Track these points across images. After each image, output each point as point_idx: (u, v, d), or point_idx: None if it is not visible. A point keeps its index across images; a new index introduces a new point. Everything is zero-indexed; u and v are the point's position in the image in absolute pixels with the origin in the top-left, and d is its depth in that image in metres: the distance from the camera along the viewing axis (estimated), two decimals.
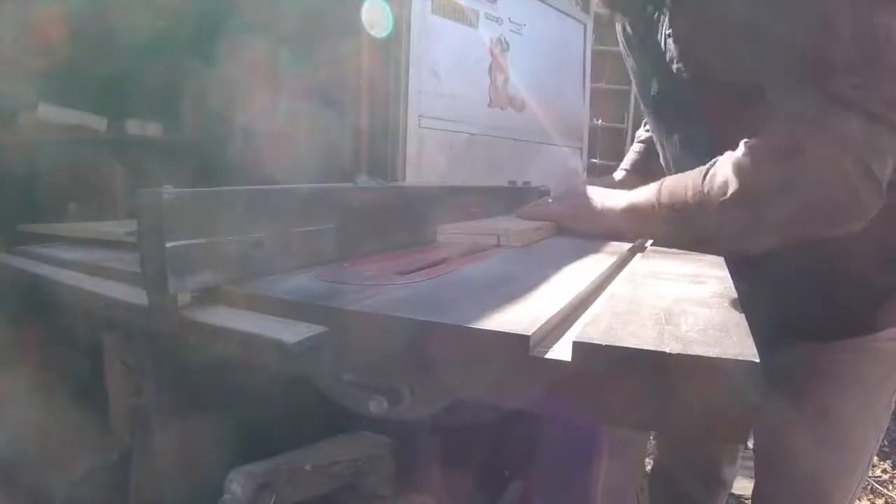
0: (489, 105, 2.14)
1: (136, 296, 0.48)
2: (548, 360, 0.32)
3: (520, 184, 1.12)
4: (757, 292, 0.88)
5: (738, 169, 0.61)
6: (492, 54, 2.12)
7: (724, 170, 0.63)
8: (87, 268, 0.64)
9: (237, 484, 0.46)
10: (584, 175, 1.17)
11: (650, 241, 0.72)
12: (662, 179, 0.71)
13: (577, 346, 0.31)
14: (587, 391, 0.31)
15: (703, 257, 0.61)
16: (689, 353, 0.29)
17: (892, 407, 0.84)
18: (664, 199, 0.68)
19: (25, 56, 1.31)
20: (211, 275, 0.45)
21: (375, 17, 1.67)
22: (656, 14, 0.77)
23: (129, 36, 1.42)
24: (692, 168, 0.68)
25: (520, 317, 0.36)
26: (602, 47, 2.95)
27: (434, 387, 0.40)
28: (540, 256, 0.65)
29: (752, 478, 0.98)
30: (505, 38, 2.17)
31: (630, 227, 0.71)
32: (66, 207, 1.37)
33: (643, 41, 0.82)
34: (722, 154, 0.65)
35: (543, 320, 0.35)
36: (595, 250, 0.65)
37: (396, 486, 0.54)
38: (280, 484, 0.48)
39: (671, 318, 0.35)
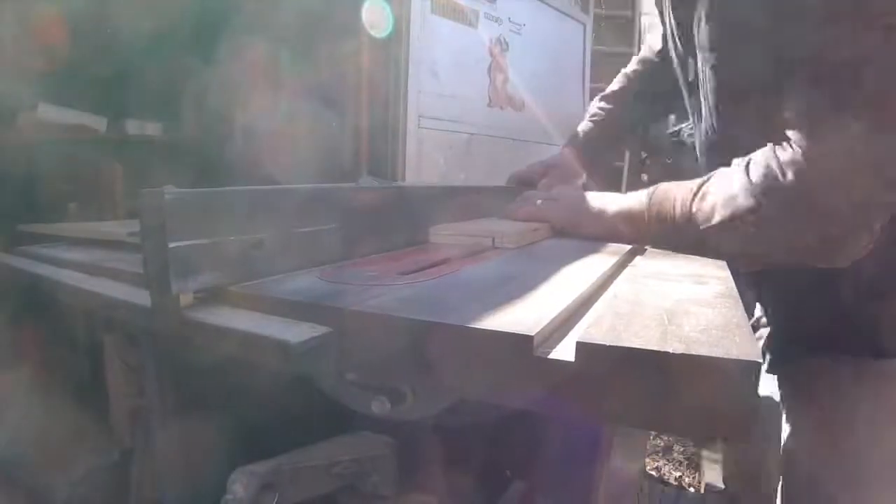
0: (489, 105, 2.15)
1: (138, 296, 0.48)
2: (551, 360, 0.32)
3: None
4: (768, 302, 0.85)
5: (728, 200, 0.58)
6: (491, 54, 2.12)
7: (714, 195, 0.60)
8: (87, 268, 0.64)
9: (239, 484, 0.46)
10: (584, 177, 1.15)
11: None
12: (656, 185, 0.70)
13: (581, 347, 0.31)
14: (590, 391, 0.31)
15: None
16: (692, 353, 0.29)
17: None
18: (653, 207, 0.67)
19: (25, 56, 1.31)
20: (213, 275, 0.45)
21: (375, 17, 1.67)
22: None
23: (128, 35, 1.42)
24: (715, 165, 0.65)
25: (523, 317, 0.36)
26: (601, 47, 2.96)
27: (437, 387, 0.40)
28: (541, 257, 0.66)
29: None
30: (505, 38, 2.17)
31: (625, 231, 0.70)
32: (66, 207, 1.37)
33: (681, 26, 0.77)
34: (736, 155, 0.62)
35: (547, 320, 0.35)
36: (596, 250, 0.65)
37: (398, 486, 0.54)
38: (282, 484, 0.48)
39: (674, 318, 0.35)
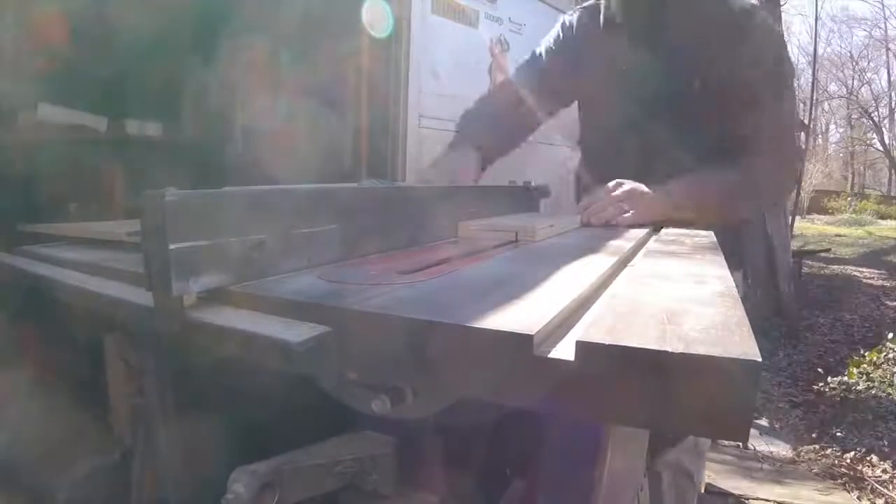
0: None
1: (139, 296, 0.48)
2: (551, 359, 0.32)
3: (520, 184, 1.12)
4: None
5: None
6: (492, 54, 2.12)
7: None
8: (88, 268, 0.64)
9: (240, 483, 0.46)
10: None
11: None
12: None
13: (581, 346, 0.31)
14: (590, 390, 0.31)
15: (705, 257, 0.61)
16: (692, 352, 0.29)
17: None
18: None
19: (25, 56, 1.31)
20: (214, 276, 0.45)
21: (375, 17, 1.67)
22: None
23: (129, 35, 1.42)
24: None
25: (523, 316, 0.36)
26: None
27: (437, 386, 0.40)
28: (542, 256, 0.66)
29: (752, 478, 0.98)
30: (505, 38, 2.17)
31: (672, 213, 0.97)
32: (67, 207, 1.37)
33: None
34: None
35: (546, 320, 0.35)
36: (596, 250, 0.65)
37: (399, 485, 0.54)
38: (283, 483, 0.48)
39: (673, 317, 0.35)
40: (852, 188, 18.89)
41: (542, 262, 0.60)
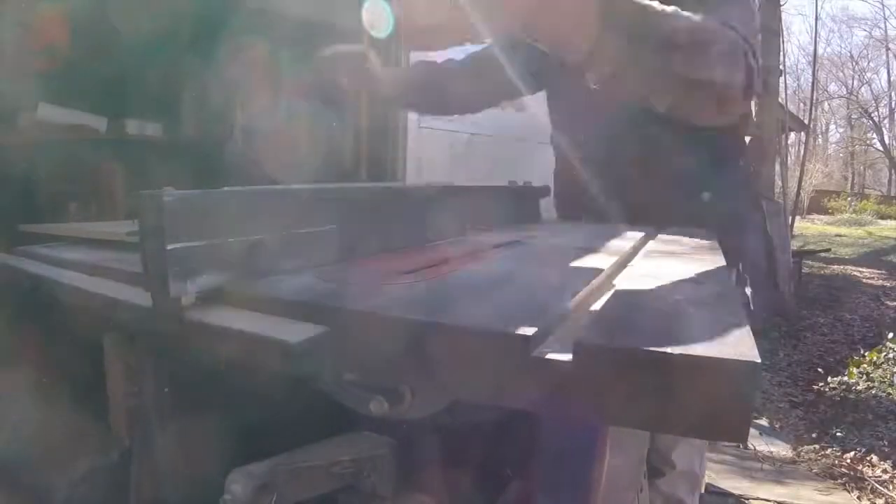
0: None
1: (138, 296, 0.48)
2: (549, 360, 0.32)
3: (520, 184, 1.12)
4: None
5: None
6: None
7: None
8: (87, 268, 0.63)
9: (238, 484, 0.46)
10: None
11: None
12: None
13: (579, 347, 0.31)
14: (588, 391, 0.31)
15: (704, 257, 0.61)
16: (690, 353, 0.29)
17: None
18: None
19: (25, 56, 1.31)
20: (213, 276, 0.45)
21: (375, 17, 1.66)
22: None
23: (128, 36, 1.42)
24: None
25: (521, 317, 0.36)
26: None
27: (435, 387, 0.40)
28: (540, 256, 0.66)
29: (752, 478, 0.98)
30: None
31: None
32: (67, 207, 1.37)
33: None
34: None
35: (545, 321, 0.35)
36: (595, 250, 0.65)
37: (397, 486, 0.54)
38: (281, 484, 0.48)
39: (672, 318, 0.35)
40: (852, 188, 18.93)
41: (541, 263, 0.60)
